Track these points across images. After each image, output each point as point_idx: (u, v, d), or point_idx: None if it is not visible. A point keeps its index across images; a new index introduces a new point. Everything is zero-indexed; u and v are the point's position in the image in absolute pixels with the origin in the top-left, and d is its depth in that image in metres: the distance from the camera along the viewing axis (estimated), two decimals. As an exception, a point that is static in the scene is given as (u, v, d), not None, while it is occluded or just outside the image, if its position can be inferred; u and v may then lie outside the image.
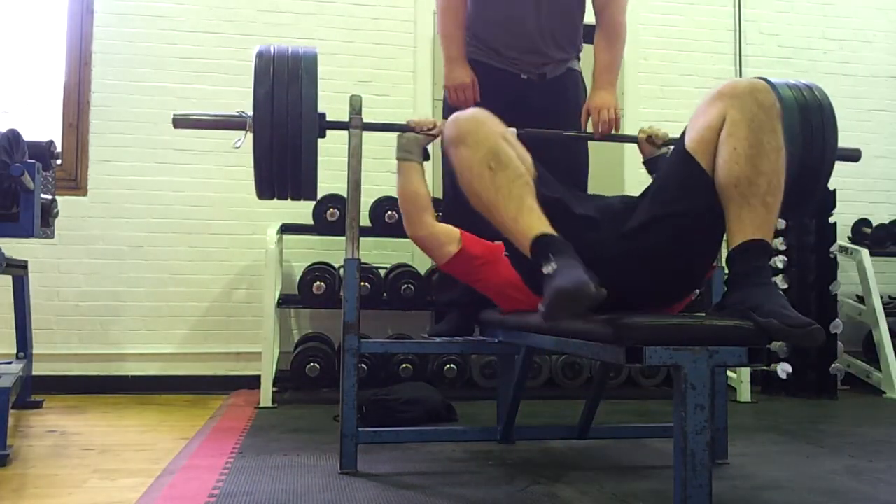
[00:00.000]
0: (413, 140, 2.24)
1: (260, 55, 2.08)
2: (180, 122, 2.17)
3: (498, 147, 1.68)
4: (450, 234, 2.16)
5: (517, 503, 1.84)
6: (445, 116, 2.54)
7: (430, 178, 3.66)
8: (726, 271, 2.37)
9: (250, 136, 2.06)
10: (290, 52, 2.10)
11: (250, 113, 2.05)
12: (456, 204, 2.53)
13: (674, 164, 1.78)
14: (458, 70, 2.41)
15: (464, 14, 2.48)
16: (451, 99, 2.49)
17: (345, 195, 2.70)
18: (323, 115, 2.16)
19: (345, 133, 2.25)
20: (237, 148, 2.10)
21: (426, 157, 2.28)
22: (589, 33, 2.62)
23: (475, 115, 1.77)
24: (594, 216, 1.75)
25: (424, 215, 2.19)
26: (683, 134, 1.76)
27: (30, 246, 3.53)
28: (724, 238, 1.68)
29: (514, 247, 1.71)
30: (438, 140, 2.41)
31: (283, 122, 2.02)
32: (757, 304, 1.46)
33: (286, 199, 2.19)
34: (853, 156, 2.34)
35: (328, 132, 2.28)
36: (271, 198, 2.18)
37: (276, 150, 2.03)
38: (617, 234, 1.70)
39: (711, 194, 1.65)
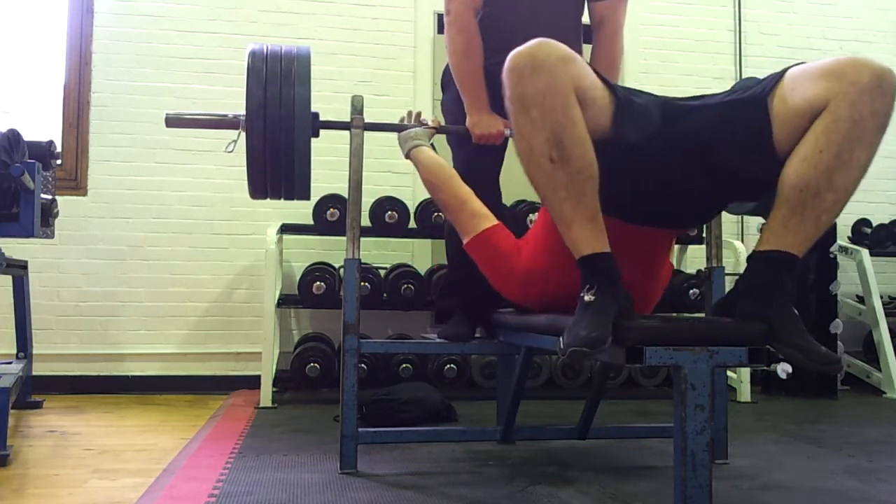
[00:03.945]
0: (420, 132, 2.27)
1: (253, 54, 2.08)
2: (173, 121, 2.17)
3: (564, 125, 1.44)
4: (483, 209, 2.08)
5: (517, 503, 1.84)
6: (448, 121, 2.53)
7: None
8: (726, 270, 2.39)
9: (244, 137, 2.06)
10: (283, 51, 2.10)
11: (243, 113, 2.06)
12: None
13: (745, 108, 1.54)
14: (486, 119, 2.28)
15: (482, 59, 2.31)
16: (478, 141, 2.33)
17: (345, 195, 2.69)
18: (316, 115, 2.16)
19: (344, 133, 2.25)
20: (229, 152, 2.10)
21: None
22: (587, 33, 2.61)
23: (545, 66, 1.44)
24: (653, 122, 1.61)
25: (456, 180, 2.15)
26: (777, 79, 1.52)
27: (30, 246, 3.53)
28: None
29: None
30: (442, 137, 2.43)
31: (276, 122, 2.02)
32: (775, 328, 1.43)
33: (279, 198, 2.19)
34: None
35: (328, 132, 2.28)
36: (264, 197, 2.18)
37: (269, 150, 2.03)
38: (665, 149, 1.58)
39: (767, 164, 1.50)
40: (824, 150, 1.41)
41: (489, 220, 2.05)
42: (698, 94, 1.72)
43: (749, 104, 1.53)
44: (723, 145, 1.56)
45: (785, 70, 1.53)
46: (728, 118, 1.56)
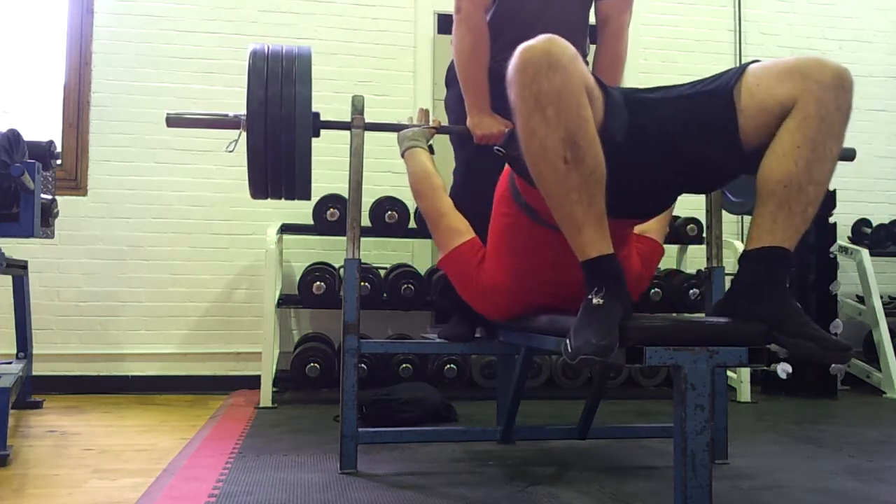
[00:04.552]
0: (418, 132, 2.26)
1: (254, 54, 2.08)
2: (173, 121, 2.18)
3: (578, 125, 1.43)
4: (464, 224, 2.09)
5: (517, 503, 1.84)
6: (450, 119, 2.53)
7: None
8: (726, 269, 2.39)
9: (245, 137, 2.06)
10: (284, 51, 2.11)
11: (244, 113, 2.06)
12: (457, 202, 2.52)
13: (710, 100, 1.57)
14: (487, 120, 2.28)
15: (488, 59, 2.30)
16: (479, 142, 2.32)
17: (345, 195, 2.69)
18: (317, 115, 2.16)
19: (344, 133, 2.25)
20: (230, 151, 2.10)
21: (431, 151, 2.29)
22: (591, 32, 2.61)
23: (560, 64, 1.42)
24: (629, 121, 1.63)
25: (439, 192, 2.15)
26: (740, 73, 1.56)
27: (30, 246, 3.53)
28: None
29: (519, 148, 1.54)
30: (445, 136, 2.43)
31: (277, 121, 2.02)
32: (778, 323, 1.42)
33: (280, 198, 2.19)
34: (847, 156, 2.35)
35: (328, 132, 2.29)
36: (265, 197, 2.19)
37: (270, 150, 2.03)
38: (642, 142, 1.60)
39: (733, 155, 1.55)
40: (801, 145, 1.46)
41: (463, 235, 2.07)
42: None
43: (714, 97, 1.57)
44: (691, 137, 1.59)
45: (746, 65, 1.58)
46: (694, 110, 1.60)
